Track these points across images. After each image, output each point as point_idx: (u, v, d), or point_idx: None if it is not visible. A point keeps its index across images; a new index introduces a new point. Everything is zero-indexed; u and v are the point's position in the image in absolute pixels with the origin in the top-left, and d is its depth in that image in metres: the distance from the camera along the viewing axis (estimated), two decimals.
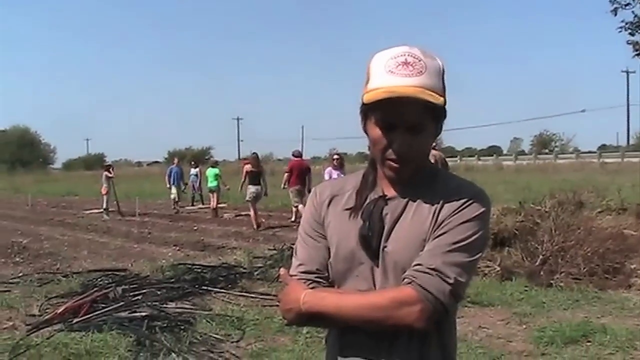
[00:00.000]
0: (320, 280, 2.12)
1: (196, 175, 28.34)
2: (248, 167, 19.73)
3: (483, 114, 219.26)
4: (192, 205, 28.43)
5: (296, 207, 19.91)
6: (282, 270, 2.20)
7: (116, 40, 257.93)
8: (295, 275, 2.15)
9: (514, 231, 10.67)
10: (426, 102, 1.89)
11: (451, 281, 1.89)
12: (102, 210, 24.66)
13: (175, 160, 29.19)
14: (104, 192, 24.57)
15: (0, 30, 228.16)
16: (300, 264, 2.17)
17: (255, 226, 18.89)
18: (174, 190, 26.31)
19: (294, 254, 2.24)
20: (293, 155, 20.91)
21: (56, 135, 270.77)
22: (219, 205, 24.57)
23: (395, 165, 1.99)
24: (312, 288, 2.07)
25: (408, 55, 1.96)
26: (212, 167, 25.56)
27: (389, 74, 1.94)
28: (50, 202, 35.93)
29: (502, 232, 10.66)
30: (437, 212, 1.99)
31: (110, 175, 24.82)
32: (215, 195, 24.16)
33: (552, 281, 9.32)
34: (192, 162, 29.80)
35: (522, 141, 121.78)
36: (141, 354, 6.68)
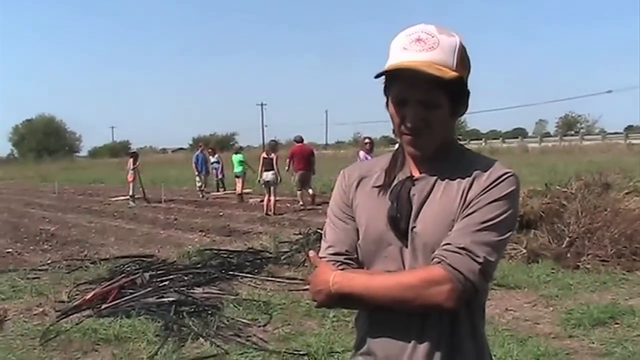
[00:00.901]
0: (350, 261, 2.11)
1: (217, 162, 28.37)
2: (264, 154, 19.99)
3: (507, 96, 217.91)
4: (218, 191, 28.47)
5: (300, 191, 20.62)
6: (312, 253, 2.20)
7: (140, 27, 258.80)
8: (324, 257, 2.14)
9: (540, 213, 10.60)
10: (429, 75, 1.89)
11: (480, 260, 1.88)
12: (128, 197, 24.75)
13: (201, 146, 29.18)
14: (130, 179, 24.64)
15: (26, 20, 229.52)
16: (329, 246, 2.17)
17: (264, 211, 19.10)
18: (199, 177, 26.35)
19: (323, 236, 2.23)
20: (295, 140, 21.54)
21: (81, 124, 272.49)
22: (245, 191, 24.60)
23: (409, 137, 2.00)
24: (341, 270, 2.07)
25: (422, 32, 1.98)
26: (237, 153, 25.59)
27: (402, 50, 1.96)
28: (76, 189, 36.14)
29: (528, 214, 10.59)
30: (465, 191, 1.98)
31: (134, 165, 24.82)
32: (240, 180, 24.20)
33: (579, 263, 9.26)
34: (210, 150, 29.63)
35: (547, 123, 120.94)
36: (169, 339, 6.73)
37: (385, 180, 2.13)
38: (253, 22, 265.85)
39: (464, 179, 2.00)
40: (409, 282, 1.92)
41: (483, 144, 70.48)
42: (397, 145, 2.23)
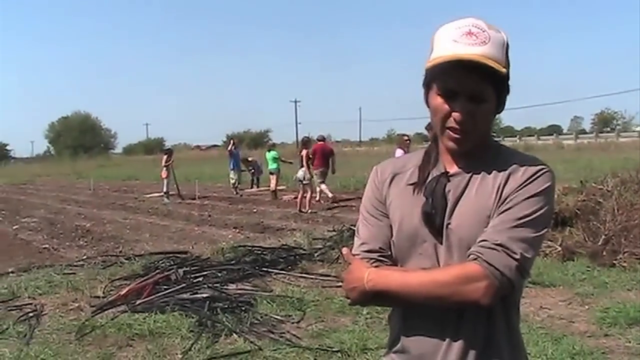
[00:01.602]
0: (383, 258, 2.09)
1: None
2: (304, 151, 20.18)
3: (543, 92, 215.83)
4: (251, 188, 28.51)
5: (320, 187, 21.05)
6: (345, 250, 2.18)
7: (175, 25, 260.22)
8: (358, 255, 2.12)
9: (575, 211, 10.51)
10: (489, 68, 1.87)
11: (517, 257, 1.86)
12: (162, 193, 24.92)
13: (233, 143, 29.17)
14: (164, 175, 24.79)
15: (61, 19, 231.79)
16: (362, 243, 2.15)
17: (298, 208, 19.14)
18: (233, 174, 26.46)
19: (356, 234, 2.22)
20: (317, 139, 22.08)
21: (116, 121, 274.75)
22: (278, 188, 24.63)
23: (455, 135, 1.97)
24: (375, 267, 2.05)
25: (472, 26, 1.95)
26: (270, 150, 25.60)
27: (452, 43, 1.93)
28: (111, 186, 36.50)
29: (564, 211, 10.51)
30: (501, 187, 1.96)
31: (168, 162, 24.92)
32: (274, 177, 24.23)
33: (615, 261, 9.16)
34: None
35: (582, 120, 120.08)
36: (203, 335, 6.76)
37: (419, 177, 2.12)
38: (285, 20, 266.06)
39: (499, 174, 1.98)
40: (445, 279, 1.90)
41: (518, 140, 69.98)
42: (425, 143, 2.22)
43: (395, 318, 2.19)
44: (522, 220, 1.90)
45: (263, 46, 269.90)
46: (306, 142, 20.78)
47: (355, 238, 2.21)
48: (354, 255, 2.14)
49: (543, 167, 1.98)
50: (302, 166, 19.64)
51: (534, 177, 1.94)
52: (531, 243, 1.89)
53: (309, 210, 18.52)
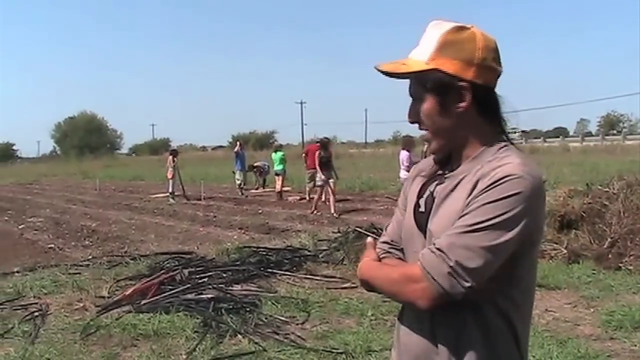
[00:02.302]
0: (393, 250, 2.20)
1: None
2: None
3: (549, 94, 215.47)
4: (257, 189, 28.53)
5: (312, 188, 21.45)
6: (369, 239, 2.27)
7: (181, 25, 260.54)
8: (377, 246, 2.24)
9: (581, 213, 10.47)
10: (391, 74, 2.04)
11: (451, 263, 1.81)
12: (168, 194, 24.98)
13: (240, 144, 29.16)
14: (169, 176, 24.84)
15: (67, 19, 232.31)
16: (383, 234, 2.29)
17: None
18: (239, 175, 26.47)
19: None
20: (315, 141, 22.92)
21: (122, 121, 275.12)
22: (284, 189, 24.65)
23: (422, 131, 2.10)
24: (384, 257, 2.17)
25: (427, 27, 2.06)
26: (277, 150, 25.64)
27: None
28: (117, 186, 36.57)
29: (569, 214, 10.48)
30: (470, 191, 1.91)
31: (173, 162, 24.96)
32: (280, 178, 24.28)
33: (620, 264, 9.13)
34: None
35: (589, 122, 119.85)
36: (207, 335, 6.76)
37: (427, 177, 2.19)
38: (292, 22, 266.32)
39: (473, 178, 1.94)
40: (392, 277, 2.00)
41: (524, 143, 69.77)
42: None
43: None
44: (473, 227, 1.83)
45: (269, 47, 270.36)
46: (325, 144, 20.46)
47: None
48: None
49: (515, 173, 1.86)
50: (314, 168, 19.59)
51: (497, 184, 1.85)
52: (477, 251, 1.81)
53: (334, 214, 18.02)
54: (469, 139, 2.04)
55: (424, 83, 1.99)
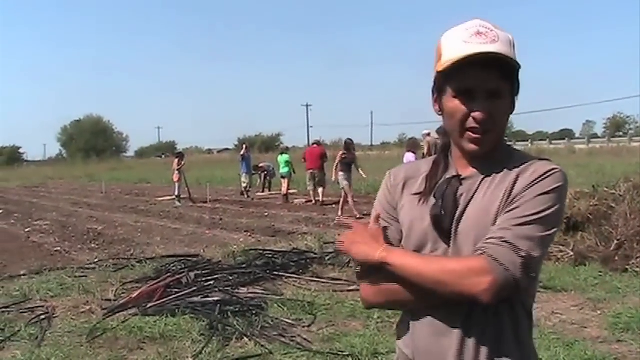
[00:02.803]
0: None
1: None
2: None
3: (555, 96, 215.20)
4: (262, 191, 28.54)
5: (312, 190, 22.52)
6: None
7: (188, 29, 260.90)
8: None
9: (587, 215, 10.45)
10: (509, 60, 1.90)
11: (523, 254, 1.82)
12: (174, 197, 24.98)
13: (246, 148, 29.16)
14: (175, 179, 24.87)
15: (73, 24, 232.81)
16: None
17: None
18: (244, 177, 26.48)
19: None
20: (312, 144, 24.05)
21: (128, 124, 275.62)
22: (290, 191, 24.65)
23: (475, 136, 1.95)
24: None
25: (480, 26, 1.95)
26: (283, 153, 25.70)
27: (463, 44, 1.92)
28: (123, 189, 36.58)
29: (576, 216, 10.45)
30: (509, 188, 1.93)
31: (179, 165, 25.00)
32: (286, 181, 24.31)
33: (627, 266, 9.11)
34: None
35: (595, 124, 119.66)
36: (214, 338, 6.76)
37: (426, 186, 2.11)
38: (298, 26, 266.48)
39: (510, 175, 1.96)
40: (452, 266, 1.88)
41: (529, 145, 69.76)
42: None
43: (405, 320, 2.16)
44: (529, 219, 1.86)
45: (275, 50, 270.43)
46: (349, 146, 19.86)
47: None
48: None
49: (554, 167, 1.95)
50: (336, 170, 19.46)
51: (543, 177, 1.91)
52: (538, 242, 1.86)
53: (357, 215, 17.49)
54: (501, 139, 2.06)
55: (512, 81, 1.97)
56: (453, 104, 1.97)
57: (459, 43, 1.94)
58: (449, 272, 1.86)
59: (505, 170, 1.98)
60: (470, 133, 1.95)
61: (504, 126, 2.02)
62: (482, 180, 2.00)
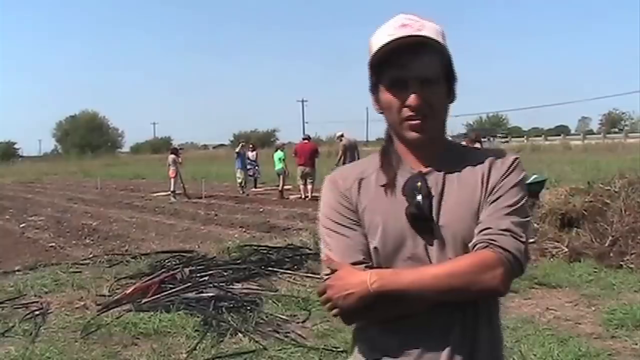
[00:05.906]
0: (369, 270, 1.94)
1: (254, 160, 28.47)
2: None
3: (550, 93, 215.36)
4: (255, 187, 28.53)
5: (303, 185, 22.84)
6: (326, 255, 2.02)
7: (183, 25, 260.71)
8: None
9: (582, 212, 10.46)
10: (433, 41, 1.89)
11: (523, 239, 1.87)
12: (169, 192, 24.98)
13: (240, 145, 29.15)
14: (172, 175, 24.86)
15: (68, 18, 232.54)
16: (343, 255, 1.98)
17: None
18: (239, 173, 26.53)
19: (324, 248, 2.06)
20: (303, 139, 24.49)
21: (124, 120, 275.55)
22: (285, 187, 24.67)
23: (413, 122, 1.91)
24: None
25: (405, 18, 1.95)
26: (278, 150, 25.81)
27: (389, 37, 1.90)
28: (118, 185, 36.59)
29: (570, 212, 10.47)
30: (485, 179, 1.94)
31: (177, 160, 25.02)
32: (281, 177, 24.34)
33: (622, 262, 9.11)
34: (251, 146, 29.80)
35: (590, 120, 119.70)
36: (208, 334, 6.76)
37: (387, 177, 2.02)
38: (294, 21, 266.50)
39: (477, 167, 1.97)
40: (460, 269, 1.82)
41: (525, 141, 69.73)
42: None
43: (373, 335, 2.04)
44: (513, 208, 1.91)
45: (270, 46, 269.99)
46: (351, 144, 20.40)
47: (325, 252, 2.05)
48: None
49: (516, 156, 2.02)
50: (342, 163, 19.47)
51: (512, 167, 1.97)
52: (527, 228, 1.91)
53: None
54: (444, 129, 2.06)
55: (443, 66, 1.95)
56: (387, 96, 1.94)
57: (384, 37, 1.91)
58: (459, 275, 1.81)
59: (467, 163, 1.98)
60: (408, 122, 1.92)
61: (444, 114, 2.00)
62: (445, 175, 1.97)
